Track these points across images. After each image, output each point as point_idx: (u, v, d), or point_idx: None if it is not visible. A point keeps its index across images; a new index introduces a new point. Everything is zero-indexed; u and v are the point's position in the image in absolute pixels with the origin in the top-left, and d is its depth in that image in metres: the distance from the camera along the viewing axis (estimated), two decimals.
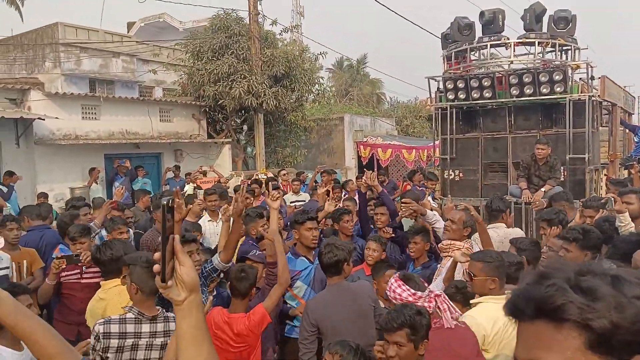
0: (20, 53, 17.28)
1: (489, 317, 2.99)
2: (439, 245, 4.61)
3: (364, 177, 5.77)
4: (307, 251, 4.42)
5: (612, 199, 4.33)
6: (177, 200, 3.98)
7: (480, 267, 3.21)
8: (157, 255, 1.30)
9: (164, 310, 3.17)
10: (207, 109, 15.86)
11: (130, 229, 6.37)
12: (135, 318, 3.05)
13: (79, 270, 4.50)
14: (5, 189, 10.08)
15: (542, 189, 7.45)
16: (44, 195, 9.69)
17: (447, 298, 2.95)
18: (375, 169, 16.56)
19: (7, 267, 4.76)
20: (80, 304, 4.07)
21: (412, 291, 2.84)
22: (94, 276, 4.36)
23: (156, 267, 1.29)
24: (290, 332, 4.35)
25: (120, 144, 13.43)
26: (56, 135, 12.26)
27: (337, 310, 3.56)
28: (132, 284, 3.06)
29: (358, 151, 19.15)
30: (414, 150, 18.35)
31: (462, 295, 3.44)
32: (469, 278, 3.30)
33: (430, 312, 2.75)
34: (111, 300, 3.55)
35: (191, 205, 6.31)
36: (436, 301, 2.83)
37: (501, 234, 4.83)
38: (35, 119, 11.41)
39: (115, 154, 13.11)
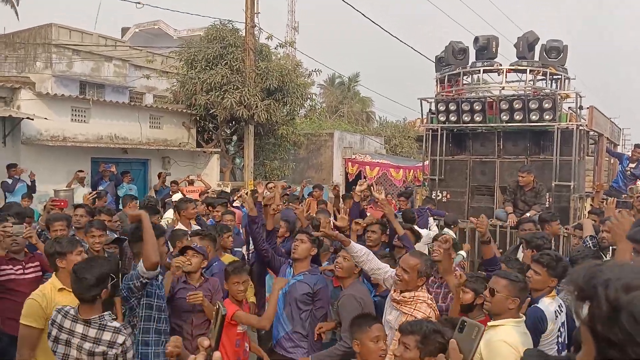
0: (11, 51, 17.16)
1: (516, 340, 2.94)
2: (391, 296, 3.80)
3: (357, 187, 5.83)
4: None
5: None
6: None
7: (505, 284, 3.16)
8: (206, 342, 1.53)
9: (105, 317, 3.09)
10: (198, 118, 15.83)
11: (115, 233, 6.30)
12: (73, 316, 3.07)
13: (20, 266, 4.49)
14: (10, 181, 10.42)
15: (527, 214, 7.55)
16: (28, 196, 9.56)
17: None
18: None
19: None
20: (22, 300, 4.09)
21: None
22: (35, 270, 4.51)
23: (217, 355, 1.49)
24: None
25: (108, 148, 13.33)
26: (44, 135, 12.14)
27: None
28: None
29: (346, 168, 19.23)
30: (401, 169, 18.48)
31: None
32: (490, 295, 3.21)
33: None
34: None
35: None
36: None
37: None
38: (23, 118, 11.29)
39: (103, 158, 12.99)
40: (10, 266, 4.43)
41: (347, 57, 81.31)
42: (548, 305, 3.51)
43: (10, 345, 4.21)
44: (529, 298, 3.46)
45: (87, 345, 3.00)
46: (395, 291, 3.75)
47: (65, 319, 3.05)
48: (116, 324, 3.09)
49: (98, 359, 3.00)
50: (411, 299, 3.62)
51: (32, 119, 11.38)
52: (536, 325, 3.40)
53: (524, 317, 3.19)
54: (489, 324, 3.11)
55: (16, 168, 10.65)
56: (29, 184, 10.62)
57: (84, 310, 3.05)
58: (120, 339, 3.02)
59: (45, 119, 11.81)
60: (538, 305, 3.52)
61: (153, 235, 3.69)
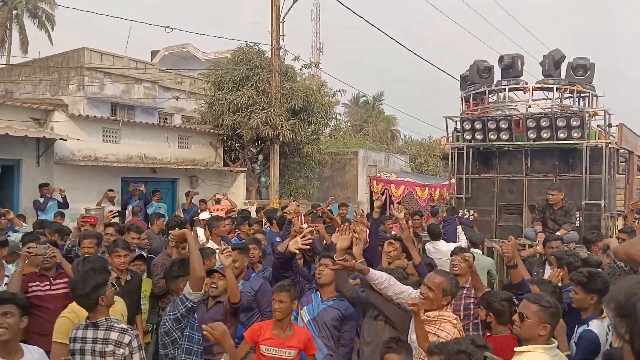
0: (46, 75, 17.74)
1: None
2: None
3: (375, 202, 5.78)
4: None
5: None
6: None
7: (535, 310, 3.02)
8: None
9: (112, 319, 3.31)
10: (225, 138, 16.08)
11: (144, 251, 6.42)
12: (84, 324, 3.30)
13: (48, 282, 4.61)
14: (42, 200, 10.72)
15: (557, 233, 7.43)
16: (60, 215, 9.81)
17: None
18: (389, 205, 16.55)
19: None
20: (54, 315, 4.13)
21: None
22: (64, 286, 4.56)
23: None
24: None
25: (138, 167, 13.61)
26: (76, 156, 12.47)
27: None
28: None
29: (371, 186, 19.20)
30: (427, 188, 18.38)
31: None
32: (520, 320, 3.07)
33: None
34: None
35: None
36: None
37: None
38: (57, 139, 11.64)
39: (132, 178, 13.26)
40: (37, 282, 4.57)
41: (372, 77, 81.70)
42: (599, 327, 3.44)
43: None
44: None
45: (98, 347, 3.18)
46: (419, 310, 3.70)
47: (79, 330, 3.28)
48: (123, 325, 3.30)
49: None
50: (435, 318, 3.58)
51: (65, 140, 11.71)
52: (590, 349, 3.31)
53: (556, 342, 3.06)
54: (516, 349, 3.02)
55: (48, 187, 10.96)
56: (60, 200, 10.91)
57: (90, 317, 3.29)
58: (127, 338, 3.20)
59: (78, 139, 12.13)
60: (590, 327, 3.43)
61: (198, 253, 3.76)
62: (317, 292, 4.50)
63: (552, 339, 3.06)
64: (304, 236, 4.64)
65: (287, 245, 4.62)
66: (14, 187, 11.63)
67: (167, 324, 3.62)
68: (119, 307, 3.94)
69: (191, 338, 3.77)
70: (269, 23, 15.20)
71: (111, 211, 7.35)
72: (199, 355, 3.86)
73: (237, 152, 16.79)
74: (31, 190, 11.25)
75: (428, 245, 7.63)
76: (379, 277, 3.89)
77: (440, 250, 7.04)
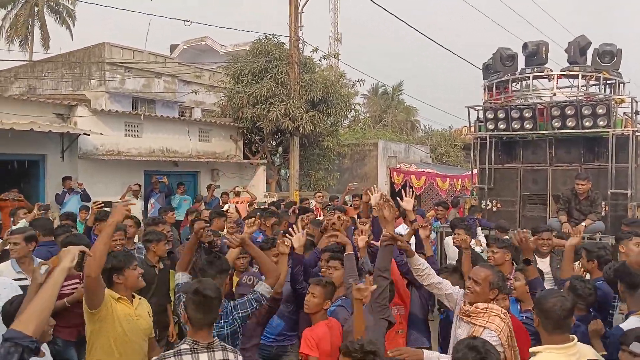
0: (68, 70, 17.99)
1: None
2: (462, 308, 3.63)
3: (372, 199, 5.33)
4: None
5: None
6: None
7: (535, 303, 3.09)
8: None
9: (219, 340, 3.00)
10: (245, 131, 16.15)
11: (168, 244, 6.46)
12: (190, 348, 2.84)
13: (78, 279, 4.63)
14: (60, 193, 11.05)
15: (583, 224, 7.32)
16: (86, 208, 9.94)
17: None
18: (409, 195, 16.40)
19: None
20: (76, 309, 4.24)
21: None
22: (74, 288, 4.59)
23: None
24: None
25: (160, 161, 13.75)
26: (99, 150, 12.64)
27: None
28: (184, 312, 2.95)
29: (391, 177, 19.11)
30: (448, 178, 18.23)
31: None
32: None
33: None
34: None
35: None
36: None
37: None
38: (80, 134, 11.80)
39: (155, 171, 13.40)
40: (68, 281, 4.63)
41: (391, 66, 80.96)
42: (635, 324, 3.10)
43: (64, 348, 4.54)
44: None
45: None
46: (465, 304, 3.61)
47: (183, 356, 2.80)
48: (230, 346, 3.04)
49: None
50: (484, 311, 3.44)
51: (89, 135, 11.87)
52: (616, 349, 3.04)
53: (575, 340, 2.88)
54: (530, 350, 2.94)
55: (68, 181, 11.16)
56: (82, 192, 11.08)
57: (203, 336, 2.86)
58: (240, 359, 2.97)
59: (101, 134, 12.30)
60: (622, 325, 3.19)
61: (261, 252, 3.87)
62: None
63: (570, 336, 2.88)
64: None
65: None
66: (40, 181, 11.85)
67: (236, 322, 3.55)
68: (145, 306, 3.84)
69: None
70: (288, 14, 15.16)
71: (95, 202, 7.20)
72: None
73: (257, 145, 16.85)
74: (56, 185, 11.45)
75: (447, 239, 7.65)
76: (422, 263, 3.89)
77: None
